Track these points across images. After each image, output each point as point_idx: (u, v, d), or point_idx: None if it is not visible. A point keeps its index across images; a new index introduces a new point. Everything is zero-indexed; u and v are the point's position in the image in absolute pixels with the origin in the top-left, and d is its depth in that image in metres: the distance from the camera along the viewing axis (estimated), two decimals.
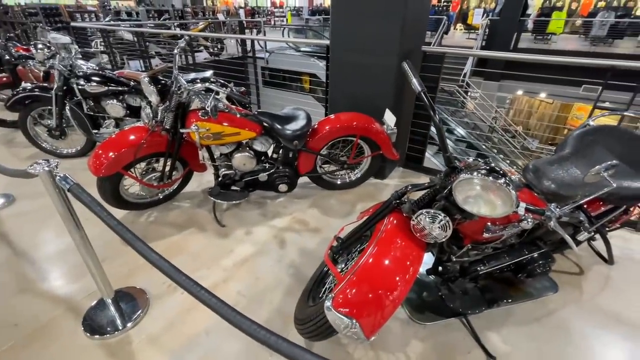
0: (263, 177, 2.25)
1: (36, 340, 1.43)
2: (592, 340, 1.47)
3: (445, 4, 16.85)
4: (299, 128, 2.16)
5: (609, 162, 1.03)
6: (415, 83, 1.32)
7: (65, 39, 2.71)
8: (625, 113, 2.01)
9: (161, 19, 10.42)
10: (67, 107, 2.76)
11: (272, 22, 17.38)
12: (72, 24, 5.90)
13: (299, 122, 2.21)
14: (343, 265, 1.47)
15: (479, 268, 1.40)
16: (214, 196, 2.17)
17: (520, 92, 9.31)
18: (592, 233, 1.49)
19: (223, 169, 2.20)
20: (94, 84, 2.68)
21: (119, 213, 2.23)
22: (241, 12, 14.95)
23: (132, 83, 2.82)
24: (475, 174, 0.98)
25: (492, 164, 1.02)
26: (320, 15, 16.60)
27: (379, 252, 1.16)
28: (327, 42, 2.66)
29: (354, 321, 1.02)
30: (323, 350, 1.40)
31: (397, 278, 1.11)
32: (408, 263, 1.15)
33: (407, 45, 2.35)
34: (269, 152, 2.30)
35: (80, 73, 2.69)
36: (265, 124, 2.13)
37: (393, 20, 2.18)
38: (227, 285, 1.74)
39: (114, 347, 1.41)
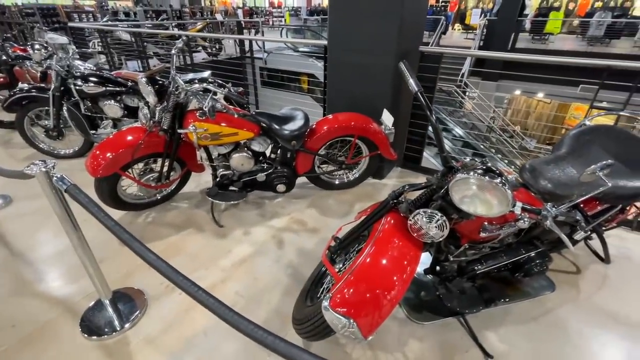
0: (261, 177, 2.25)
1: (34, 342, 1.43)
2: (589, 339, 1.48)
3: (443, 4, 16.89)
4: (296, 128, 2.16)
5: (605, 162, 1.03)
6: (412, 83, 1.32)
7: (62, 39, 2.70)
8: (622, 113, 2.02)
9: (159, 19, 10.40)
10: (65, 108, 2.75)
11: (270, 22, 17.37)
12: (70, 24, 5.88)
13: (297, 122, 2.21)
14: (341, 265, 1.48)
15: (476, 267, 1.40)
16: (212, 196, 2.17)
17: (518, 92, 9.34)
18: (589, 232, 1.49)
19: (221, 170, 2.20)
20: (92, 84, 2.68)
21: (116, 214, 2.22)
22: (239, 12, 14.94)
23: (129, 83, 2.82)
24: (471, 173, 0.98)
25: (489, 164, 1.03)
26: (318, 15, 16.61)
27: (376, 251, 1.16)
28: (325, 42, 2.66)
29: (352, 321, 1.02)
30: (321, 350, 1.40)
31: (395, 278, 1.11)
32: (405, 262, 1.15)
33: (405, 46, 2.35)
34: (267, 153, 2.30)
35: (78, 73, 2.69)
36: (263, 124, 2.13)
37: (390, 20, 2.19)
38: (225, 286, 1.74)
39: (111, 348, 1.41)
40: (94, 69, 2.80)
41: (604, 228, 1.66)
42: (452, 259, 1.39)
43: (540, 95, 9.46)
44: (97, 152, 1.92)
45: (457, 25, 14.92)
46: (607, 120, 2.38)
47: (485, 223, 1.23)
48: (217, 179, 2.21)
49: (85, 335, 1.44)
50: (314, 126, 2.29)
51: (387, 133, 2.35)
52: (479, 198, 1.00)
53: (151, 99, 1.94)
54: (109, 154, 1.91)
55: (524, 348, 1.43)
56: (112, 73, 2.85)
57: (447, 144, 7.81)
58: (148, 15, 10.55)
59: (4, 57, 3.46)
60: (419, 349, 1.42)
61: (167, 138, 2.04)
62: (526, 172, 1.46)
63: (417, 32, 2.58)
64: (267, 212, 2.35)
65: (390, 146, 2.42)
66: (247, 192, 2.28)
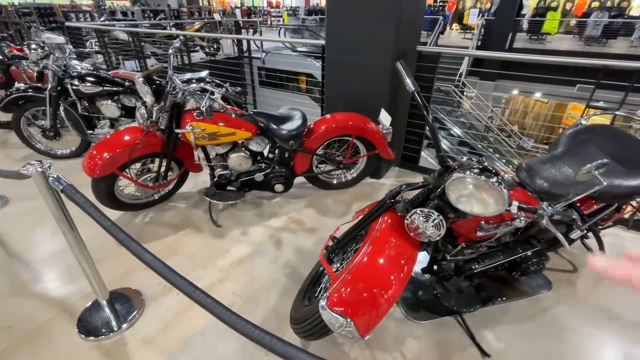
0: (259, 177, 2.25)
1: (31, 342, 1.42)
2: (586, 338, 1.49)
3: (441, 4, 16.92)
4: (294, 128, 2.16)
5: (600, 161, 1.04)
6: (408, 83, 1.32)
7: (59, 39, 2.69)
8: (618, 112, 2.03)
9: (157, 18, 10.37)
10: (62, 108, 2.74)
11: (269, 22, 17.36)
12: (67, 23, 5.86)
13: (295, 122, 2.21)
14: (338, 265, 1.48)
15: (473, 266, 1.41)
16: (210, 196, 2.17)
17: (515, 92, 9.37)
18: (585, 231, 1.50)
19: (219, 169, 2.20)
20: (89, 84, 2.67)
21: (114, 214, 2.22)
22: (237, 12, 14.91)
23: (127, 83, 2.81)
24: (467, 173, 0.98)
25: (485, 163, 1.03)
26: (316, 15, 16.61)
27: (373, 251, 1.17)
28: (323, 42, 2.66)
29: (349, 320, 1.02)
30: (319, 349, 1.40)
31: (392, 277, 1.11)
32: (402, 262, 1.15)
33: (402, 45, 2.36)
34: (265, 152, 2.30)
35: (75, 73, 2.68)
36: (260, 124, 2.13)
37: (388, 20, 2.19)
38: (223, 286, 1.74)
39: (109, 348, 1.41)
40: (91, 68, 2.79)
41: (600, 227, 1.67)
42: (449, 258, 1.39)
43: (537, 95, 9.49)
44: (94, 152, 1.92)
45: (455, 25, 14.95)
46: (604, 119, 2.39)
47: (482, 222, 1.24)
48: (215, 179, 2.21)
49: (83, 336, 1.44)
50: (311, 126, 2.29)
51: (385, 133, 2.35)
52: (475, 197, 1.01)
53: (148, 98, 1.94)
54: (106, 154, 1.91)
55: (521, 347, 1.44)
56: (109, 73, 2.84)
57: (446, 144, 7.83)
58: (146, 15, 10.52)
59: (1, 57, 3.44)
60: (416, 348, 1.43)
61: (164, 138, 2.03)
62: (522, 171, 1.47)
63: (414, 32, 2.58)
64: (265, 212, 2.35)
65: (388, 146, 2.42)
66: (244, 192, 2.28)
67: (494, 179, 0.96)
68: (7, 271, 1.80)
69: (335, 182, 2.62)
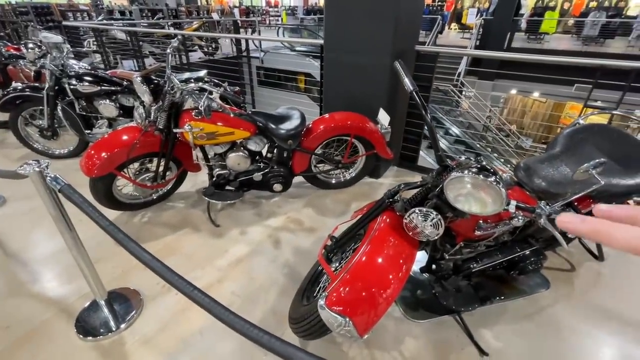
0: (257, 176, 2.25)
1: (28, 343, 1.42)
2: (583, 336, 1.50)
3: (439, 3, 16.93)
4: (293, 127, 2.16)
5: (597, 160, 1.04)
6: (407, 82, 1.32)
7: (56, 38, 2.68)
8: (615, 112, 2.04)
9: (155, 18, 10.34)
10: (59, 107, 2.73)
11: (267, 22, 17.33)
12: (64, 23, 5.84)
13: (293, 121, 2.21)
14: (337, 264, 1.48)
15: (471, 266, 1.41)
16: (208, 196, 2.16)
17: (514, 91, 9.39)
18: None
19: (217, 169, 2.19)
20: (86, 83, 2.66)
21: (112, 214, 2.21)
22: (236, 11, 14.89)
23: (125, 83, 2.80)
24: (466, 172, 0.98)
25: (483, 163, 1.03)
26: (315, 14, 16.59)
27: (372, 250, 1.17)
28: (322, 41, 2.66)
29: (347, 319, 1.02)
30: (317, 349, 1.41)
31: (390, 276, 1.11)
32: (401, 261, 1.15)
33: (401, 45, 2.36)
34: (264, 152, 2.30)
35: (72, 73, 2.66)
36: (259, 124, 2.13)
37: (386, 20, 2.19)
38: (222, 286, 1.73)
39: (107, 348, 1.40)
40: (89, 68, 2.78)
41: None
42: (447, 257, 1.39)
43: (536, 94, 9.51)
44: (92, 151, 1.91)
45: (454, 25, 14.97)
46: (601, 119, 2.40)
47: (480, 221, 1.24)
48: (214, 179, 2.20)
49: (81, 336, 1.44)
50: (310, 125, 2.29)
51: (383, 132, 2.35)
52: (473, 196, 1.01)
53: (146, 98, 1.93)
54: (104, 154, 1.90)
55: (519, 345, 1.45)
56: (107, 72, 2.83)
57: (444, 143, 7.84)
58: (143, 14, 10.48)
59: None
60: (415, 347, 1.43)
61: (162, 137, 2.03)
62: (520, 170, 1.47)
63: (413, 31, 2.58)
64: (263, 212, 2.35)
65: (387, 145, 2.42)
66: (243, 192, 2.28)
67: (492, 178, 0.96)
68: (4, 271, 1.79)
69: (334, 181, 2.62)
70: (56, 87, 2.70)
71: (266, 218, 2.28)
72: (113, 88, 2.76)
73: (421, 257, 1.53)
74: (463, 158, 1.11)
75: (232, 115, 2.03)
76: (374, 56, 2.34)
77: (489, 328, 1.51)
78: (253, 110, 2.22)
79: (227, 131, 2.00)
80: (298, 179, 2.52)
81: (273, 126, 2.13)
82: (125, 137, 1.97)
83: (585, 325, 1.54)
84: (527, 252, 1.43)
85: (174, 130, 1.97)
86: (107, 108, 2.76)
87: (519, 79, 7.95)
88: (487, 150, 7.47)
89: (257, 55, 8.05)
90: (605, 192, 1.33)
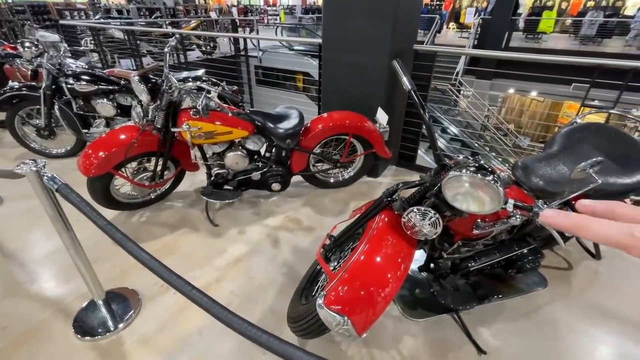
0: (256, 176, 2.24)
1: (26, 343, 1.41)
2: (580, 334, 1.51)
3: (437, 2, 16.94)
4: (291, 127, 2.16)
5: (594, 159, 1.05)
6: (405, 81, 1.32)
7: (53, 37, 2.67)
8: (612, 111, 2.04)
9: (152, 17, 10.30)
10: (56, 107, 2.72)
11: (265, 21, 17.29)
12: (61, 21, 5.81)
13: (292, 120, 2.20)
14: (335, 263, 1.48)
15: (469, 264, 1.41)
16: (207, 195, 2.16)
17: (512, 91, 9.41)
18: None
19: (215, 168, 2.19)
20: (84, 82, 2.65)
21: (110, 213, 2.20)
22: (234, 10, 14.85)
23: (122, 82, 2.79)
24: (464, 171, 0.99)
25: (481, 162, 1.03)
26: (313, 13, 16.57)
27: (370, 249, 1.17)
28: (320, 40, 2.66)
29: (346, 318, 1.02)
30: (316, 348, 1.41)
31: (389, 275, 1.11)
32: (399, 260, 1.15)
33: (399, 44, 2.36)
34: (262, 151, 2.30)
35: (69, 72, 2.65)
36: (257, 123, 2.12)
37: (384, 19, 2.19)
38: (220, 285, 1.73)
39: (105, 348, 1.40)
40: (86, 67, 2.77)
41: None
42: (445, 256, 1.40)
43: (533, 93, 9.54)
44: (90, 151, 1.91)
45: (452, 24, 14.98)
46: (598, 118, 2.41)
47: (478, 220, 1.24)
48: (212, 178, 2.20)
49: (79, 336, 1.43)
50: (308, 125, 2.29)
51: (382, 131, 2.35)
52: (471, 195, 1.01)
53: (144, 97, 1.92)
54: (101, 153, 1.89)
55: (517, 343, 1.45)
56: (104, 71, 2.81)
57: (442, 142, 7.85)
58: (141, 13, 10.44)
59: None
60: (413, 346, 1.43)
61: (160, 137, 2.02)
62: (518, 169, 1.48)
63: (411, 30, 2.58)
64: (262, 211, 2.34)
65: (385, 144, 2.42)
66: (241, 191, 2.27)
67: (490, 177, 0.96)
68: (2, 271, 1.79)
69: (332, 180, 2.62)
70: (53, 86, 2.68)
71: (265, 217, 2.28)
72: (110, 87, 2.75)
73: (419, 256, 1.54)
74: (461, 157, 1.12)
75: (230, 114, 2.02)
76: (373, 55, 2.34)
77: (487, 326, 1.52)
78: (251, 109, 2.22)
79: (225, 130, 2.00)
80: (296, 178, 2.52)
81: (271, 125, 2.13)
82: (123, 137, 1.97)
83: (582, 324, 1.55)
84: (525, 250, 1.44)
85: (172, 130, 1.96)
86: (104, 107, 2.75)
87: (516, 78, 7.97)
88: (485, 150, 7.49)
89: (256, 55, 8.03)
90: (602, 190, 1.34)
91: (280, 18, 18.03)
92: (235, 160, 2.12)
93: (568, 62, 2.31)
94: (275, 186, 2.30)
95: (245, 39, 5.72)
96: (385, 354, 1.40)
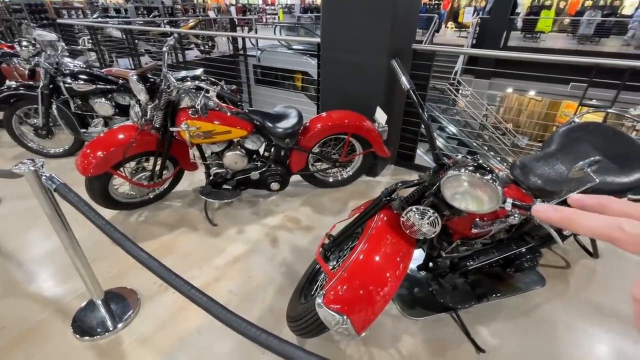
0: (255, 175, 2.24)
1: (24, 343, 1.41)
2: (578, 332, 1.51)
3: (436, 2, 16.95)
4: (290, 126, 2.15)
5: (592, 158, 1.05)
6: (404, 81, 1.32)
7: (51, 36, 2.65)
8: (610, 110, 2.05)
9: (150, 16, 10.26)
10: (54, 106, 2.70)
11: (264, 20, 17.26)
12: (59, 20, 5.78)
13: (291, 120, 2.20)
14: (334, 263, 1.48)
15: (468, 263, 1.42)
16: (206, 195, 2.16)
17: (510, 90, 9.43)
18: None
19: (214, 168, 2.19)
20: (82, 82, 2.63)
21: (108, 213, 2.20)
22: (232, 9, 14.81)
23: (120, 81, 2.78)
24: (462, 170, 0.99)
25: (480, 161, 1.04)
26: (312, 13, 16.56)
27: (369, 248, 1.17)
28: (318, 40, 2.65)
29: (345, 317, 1.03)
30: (315, 347, 1.41)
31: (388, 274, 1.12)
32: (398, 259, 1.16)
33: (398, 44, 2.36)
34: (261, 151, 2.30)
35: (67, 71, 2.64)
36: (256, 122, 2.12)
37: (383, 18, 2.19)
38: (219, 285, 1.73)
39: (104, 348, 1.40)
40: (84, 66, 2.76)
41: None
42: (444, 255, 1.40)
43: (532, 93, 9.56)
44: (88, 150, 1.90)
45: (450, 24, 14.98)
46: (596, 117, 2.41)
47: (477, 219, 1.25)
48: (211, 178, 2.20)
49: (77, 336, 1.43)
50: (307, 124, 2.29)
51: (381, 131, 2.36)
52: (470, 195, 1.01)
53: (143, 96, 1.92)
54: (100, 153, 1.89)
55: (515, 342, 1.46)
56: (102, 70, 2.80)
57: (441, 142, 7.86)
58: (139, 12, 10.39)
59: None
60: (412, 345, 1.44)
61: (159, 136, 2.02)
62: (516, 168, 1.48)
63: (410, 30, 2.59)
64: (261, 211, 2.34)
65: (384, 144, 2.43)
66: (240, 191, 2.27)
67: (489, 177, 0.96)
68: (0, 271, 1.78)
69: (331, 180, 2.62)
70: (51, 86, 2.67)
71: (263, 217, 2.28)
72: (109, 86, 2.74)
73: (418, 255, 1.54)
74: (460, 156, 1.12)
75: (229, 113, 2.02)
76: (371, 55, 2.34)
77: (485, 325, 1.53)
78: (250, 108, 2.22)
79: (224, 130, 2.00)
80: (295, 178, 2.52)
81: (270, 125, 2.12)
82: (121, 136, 1.96)
83: (580, 322, 1.56)
84: (523, 249, 1.44)
85: (171, 129, 1.96)
86: (102, 107, 2.74)
87: (515, 77, 7.98)
88: (484, 149, 7.50)
89: (254, 54, 8.02)
90: (600, 189, 1.34)
91: (278, 17, 17.98)
92: (234, 159, 2.12)
93: (566, 61, 2.31)
94: (274, 186, 2.30)
95: (243, 38, 5.72)
96: (384, 352, 1.40)
